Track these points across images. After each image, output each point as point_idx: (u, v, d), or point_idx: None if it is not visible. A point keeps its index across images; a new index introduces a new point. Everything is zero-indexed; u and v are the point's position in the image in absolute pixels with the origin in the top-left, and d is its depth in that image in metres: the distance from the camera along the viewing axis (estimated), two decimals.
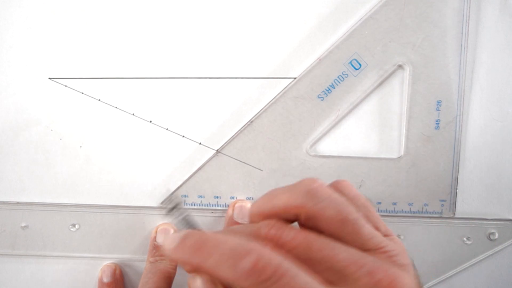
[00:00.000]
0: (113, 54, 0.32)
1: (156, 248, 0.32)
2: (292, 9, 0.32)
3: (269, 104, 0.32)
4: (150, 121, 0.32)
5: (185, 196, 0.33)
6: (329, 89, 0.32)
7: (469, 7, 0.31)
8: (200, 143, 0.32)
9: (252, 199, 0.33)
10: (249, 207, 0.32)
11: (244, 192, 0.33)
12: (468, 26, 0.31)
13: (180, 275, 0.33)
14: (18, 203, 0.33)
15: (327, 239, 0.20)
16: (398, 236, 0.33)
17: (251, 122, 0.32)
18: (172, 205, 0.25)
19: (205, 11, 0.32)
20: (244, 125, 0.32)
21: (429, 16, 0.31)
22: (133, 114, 0.32)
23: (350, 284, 0.19)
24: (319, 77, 0.32)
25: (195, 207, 0.33)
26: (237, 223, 0.31)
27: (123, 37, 0.32)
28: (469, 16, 0.31)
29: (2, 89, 0.32)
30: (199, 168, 0.32)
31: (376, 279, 0.19)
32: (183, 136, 0.32)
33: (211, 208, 0.33)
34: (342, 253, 0.19)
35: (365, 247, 0.20)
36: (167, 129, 0.32)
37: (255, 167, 0.32)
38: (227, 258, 0.18)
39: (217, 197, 0.33)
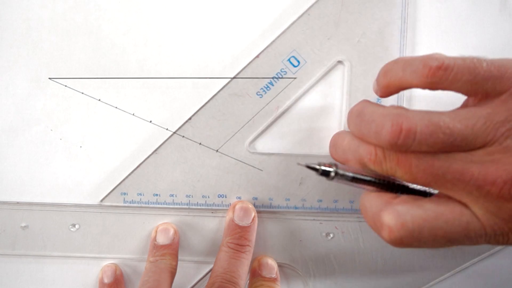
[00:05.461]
0: (113, 54, 0.32)
1: (156, 248, 0.32)
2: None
3: (207, 101, 0.32)
4: (150, 121, 0.32)
5: (173, 195, 0.33)
6: (268, 86, 0.32)
7: (408, 3, 0.31)
8: (200, 143, 0.32)
9: (192, 196, 0.33)
10: (250, 207, 0.32)
11: (184, 190, 0.32)
12: (407, 22, 0.31)
13: (180, 275, 0.33)
14: (18, 203, 0.33)
15: None
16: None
17: (190, 118, 0.32)
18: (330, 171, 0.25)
19: (212, 10, 0.32)
20: (184, 123, 0.32)
21: (368, 11, 0.31)
22: (133, 114, 0.32)
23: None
24: (258, 74, 0.31)
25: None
26: (238, 226, 0.31)
27: (123, 37, 0.32)
28: (407, 13, 0.31)
29: (2, 89, 0.32)
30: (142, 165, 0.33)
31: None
32: (183, 136, 0.32)
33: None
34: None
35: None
36: (167, 129, 0.32)
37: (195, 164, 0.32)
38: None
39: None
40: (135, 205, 0.33)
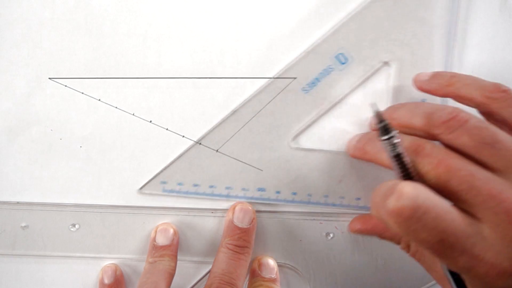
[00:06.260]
0: (113, 54, 0.32)
1: (155, 249, 0.32)
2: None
3: (253, 95, 0.32)
4: (150, 121, 0.32)
5: (180, 184, 0.33)
6: (314, 83, 0.32)
7: (459, 6, 0.31)
8: (200, 143, 0.32)
9: (231, 188, 0.33)
10: (250, 209, 0.32)
11: (224, 181, 0.32)
12: (457, 25, 0.31)
13: (180, 276, 0.33)
14: (18, 203, 0.33)
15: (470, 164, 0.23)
16: None
17: (234, 111, 0.32)
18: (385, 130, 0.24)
19: (212, 10, 0.32)
20: (227, 115, 0.32)
21: (417, 14, 0.31)
22: (133, 114, 0.32)
23: (487, 219, 0.22)
24: (305, 70, 0.31)
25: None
26: (238, 227, 0.31)
27: (123, 37, 0.32)
28: (458, 16, 0.31)
29: (2, 89, 0.32)
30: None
31: None
32: (183, 136, 0.32)
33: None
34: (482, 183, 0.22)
35: None
36: (167, 129, 0.32)
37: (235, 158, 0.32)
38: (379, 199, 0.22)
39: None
40: (173, 194, 0.33)
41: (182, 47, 0.32)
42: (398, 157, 0.24)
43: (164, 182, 0.33)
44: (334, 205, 0.33)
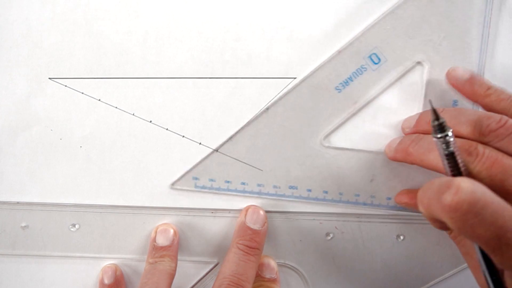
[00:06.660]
0: (113, 54, 0.32)
1: (155, 249, 0.32)
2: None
3: (285, 91, 0.32)
4: (150, 121, 0.32)
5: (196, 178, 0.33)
6: (347, 82, 0.32)
7: (491, 9, 0.31)
8: (200, 143, 0.32)
9: (263, 185, 0.33)
10: (262, 213, 0.32)
11: (255, 178, 0.33)
12: (489, 28, 0.31)
13: (180, 275, 0.33)
14: (18, 203, 0.33)
15: None
16: (398, 236, 0.33)
17: (267, 109, 0.32)
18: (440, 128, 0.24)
19: (212, 10, 0.32)
20: (259, 112, 0.32)
21: (451, 15, 0.31)
22: (133, 114, 0.32)
23: None
24: (338, 69, 0.32)
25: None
26: (250, 228, 0.31)
27: (123, 37, 0.32)
28: (490, 18, 0.31)
29: (2, 89, 0.32)
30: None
31: None
32: (183, 136, 0.32)
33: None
34: None
35: None
36: (167, 129, 0.32)
37: (258, 163, 0.32)
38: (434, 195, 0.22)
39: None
40: (205, 190, 0.33)
41: (182, 47, 0.32)
42: (451, 156, 0.24)
43: (196, 178, 0.33)
44: (365, 204, 0.33)
